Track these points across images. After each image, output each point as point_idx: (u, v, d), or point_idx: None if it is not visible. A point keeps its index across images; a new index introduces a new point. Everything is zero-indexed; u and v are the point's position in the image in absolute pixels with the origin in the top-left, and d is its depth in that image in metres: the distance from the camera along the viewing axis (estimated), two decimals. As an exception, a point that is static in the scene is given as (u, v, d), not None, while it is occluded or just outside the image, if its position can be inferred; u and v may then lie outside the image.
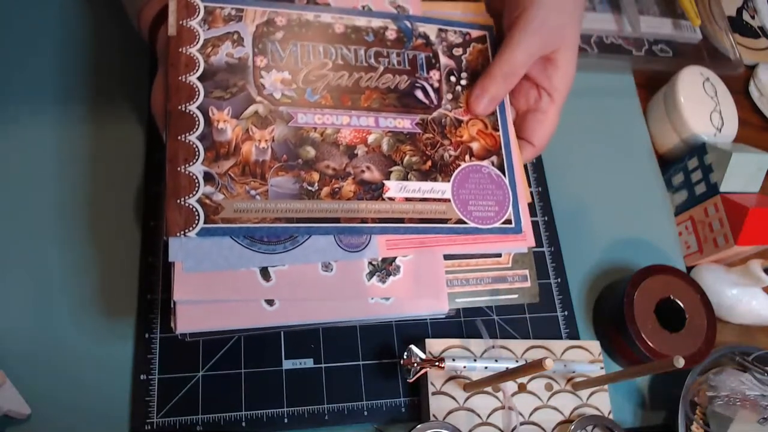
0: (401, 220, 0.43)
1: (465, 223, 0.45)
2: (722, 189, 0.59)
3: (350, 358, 0.50)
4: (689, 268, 0.61)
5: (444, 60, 0.48)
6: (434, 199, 0.44)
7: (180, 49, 0.42)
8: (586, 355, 0.53)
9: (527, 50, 0.46)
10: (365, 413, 0.48)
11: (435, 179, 0.45)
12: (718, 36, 0.72)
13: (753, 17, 0.79)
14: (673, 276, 0.54)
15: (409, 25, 0.48)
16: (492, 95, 0.47)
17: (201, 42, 0.43)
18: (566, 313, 0.56)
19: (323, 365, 0.49)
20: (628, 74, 0.70)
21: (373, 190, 0.43)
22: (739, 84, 0.74)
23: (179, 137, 0.40)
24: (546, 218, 0.59)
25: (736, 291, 0.58)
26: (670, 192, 0.66)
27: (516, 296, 0.48)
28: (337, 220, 0.42)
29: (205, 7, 0.44)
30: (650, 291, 0.53)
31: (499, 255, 0.48)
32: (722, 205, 0.59)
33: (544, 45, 0.47)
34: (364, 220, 0.42)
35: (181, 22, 0.43)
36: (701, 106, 0.64)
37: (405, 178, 0.44)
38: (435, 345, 0.50)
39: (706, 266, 0.60)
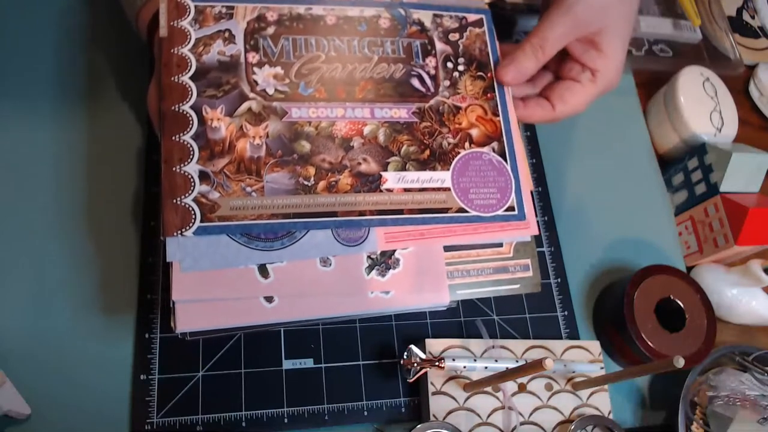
0: (400, 212, 0.43)
1: (466, 211, 0.44)
2: (722, 189, 0.59)
3: (350, 358, 0.50)
4: (689, 268, 0.61)
5: (440, 46, 0.48)
6: (434, 189, 0.44)
7: (172, 50, 0.42)
8: (586, 355, 0.53)
9: (559, 28, 0.45)
10: (365, 413, 0.48)
11: (434, 168, 0.44)
12: (718, 36, 0.72)
13: (753, 17, 0.79)
14: (673, 276, 0.54)
15: (402, 12, 0.48)
16: (521, 68, 0.47)
17: (192, 41, 0.43)
18: (566, 313, 0.56)
19: (323, 365, 0.49)
20: (628, 74, 0.70)
21: (371, 182, 0.43)
22: (739, 84, 0.74)
23: (173, 137, 0.40)
24: (546, 218, 0.59)
25: (736, 291, 0.58)
26: (670, 192, 0.66)
27: (518, 286, 0.47)
28: (334, 214, 0.41)
29: (195, 6, 0.44)
30: (650, 291, 0.53)
31: (500, 245, 0.47)
32: (722, 205, 0.59)
33: (578, 24, 0.46)
34: (362, 213, 0.42)
35: (172, 23, 0.43)
36: (701, 106, 0.64)
37: (403, 168, 0.44)
38: (435, 345, 0.50)
39: (706, 266, 0.60)
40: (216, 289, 0.39)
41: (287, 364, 0.49)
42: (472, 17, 0.50)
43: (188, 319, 0.39)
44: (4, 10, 0.56)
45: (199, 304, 0.39)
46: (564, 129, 0.65)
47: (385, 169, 0.43)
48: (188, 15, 0.43)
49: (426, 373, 0.48)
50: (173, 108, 0.41)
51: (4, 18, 0.56)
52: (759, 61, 0.75)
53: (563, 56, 0.49)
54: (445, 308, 0.45)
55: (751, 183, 0.60)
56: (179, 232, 0.39)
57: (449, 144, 0.45)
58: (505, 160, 0.46)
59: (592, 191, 0.62)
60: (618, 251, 0.60)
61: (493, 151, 0.46)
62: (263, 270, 0.41)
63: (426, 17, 0.48)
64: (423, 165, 0.44)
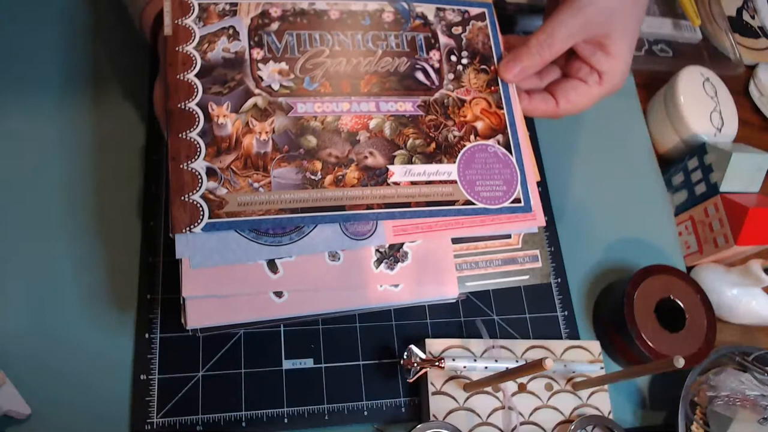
0: (407, 204, 0.43)
1: (473, 204, 0.44)
2: (722, 189, 0.59)
3: (350, 358, 0.50)
4: (689, 268, 0.61)
5: (443, 39, 0.48)
6: (440, 182, 0.44)
7: (177, 48, 0.42)
8: (586, 355, 0.53)
9: (567, 29, 0.45)
10: (365, 413, 0.48)
11: (440, 161, 0.45)
12: (718, 36, 0.72)
13: (753, 17, 0.79)
14: (673, 276, 0.54)
15: (406, 6, 0.48)
16: (524, 65, 0.47)
17: (197, 39, 0.43)
18: (566, 313, 0.56)
19: (323, 365, 0.49)
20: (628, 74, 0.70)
21: (378, 176, 0.43)
22: (739, 84, 0.74)
23: (180, 135, 0.41)
24: (546, 218, 0.59)
25: (736, 291, 0.58)
26: (670, 192, 0.66)
27: (527, 277, 0.47)
28: (342, 208, 0.42)
29: (199, 4, 0.44)
30: (650, 291, 0.53)
31: (508, 236, 0.47)
32: (722, 205, 0.59)
33: (588, 26, 0.46)
34: (369, 207, 0.42)
35: (176, 21, 0.43)
36: (701, 106, 0.64)
37: (409, 161, 0.44)
38: (435, 345, 0.50)
39: (706, 266, 0.60)
40: (226, 285, 0.40)
41: (287, 364, 0.49)
42: (474, 11, 0.50)
43: (199, 316, 0.39)
44: (5, 9, 0.56)
45: (210, 300, 0.40)
46: (564, 129, 0.65)
47: (392, 163, 0.44)
48: (192, 13, 0.44)
49: (426, 373, 0.48)
50: (179, 106, 0.41)
51: (6, 16, 0.56)
52: (759, 61, 0.75)
53: (571, 55, 0.49)
54: (454, 300, 0.45)
55: (751, 183, 0.60)
56: (188, 228, 0.39)
57: (455, 137, 0.46)
58: (510, 153, 0.47)
59: (592, 191, 0.62)
60: (618, 251, 0.60)
61: (498, 143, 0.46)
62: (272, 265, 0.41)
63: (429, 11, 0.48)
64: (429, 158, 0.44)
